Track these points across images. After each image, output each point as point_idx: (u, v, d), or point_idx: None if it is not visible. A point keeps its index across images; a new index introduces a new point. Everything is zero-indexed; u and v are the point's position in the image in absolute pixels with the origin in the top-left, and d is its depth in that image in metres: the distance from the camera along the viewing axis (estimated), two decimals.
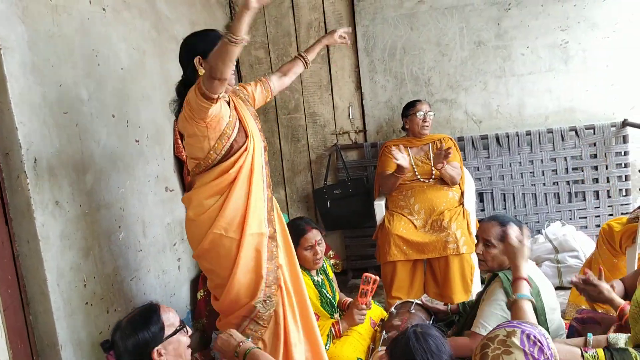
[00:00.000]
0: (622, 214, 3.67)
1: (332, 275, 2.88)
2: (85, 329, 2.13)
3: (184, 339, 1.76)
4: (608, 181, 3.82)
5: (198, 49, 2.05)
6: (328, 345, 2.45)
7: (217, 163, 2.03)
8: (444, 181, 3.39)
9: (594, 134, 3.79)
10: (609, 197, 3.83)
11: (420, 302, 2.69)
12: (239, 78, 4.14)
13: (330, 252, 3.78)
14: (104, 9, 2.44)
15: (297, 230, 2.55)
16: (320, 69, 4.10)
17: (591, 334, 1.97)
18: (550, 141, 3.84)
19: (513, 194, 3.92)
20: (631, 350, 1.62)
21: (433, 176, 3.42)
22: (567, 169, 3.85)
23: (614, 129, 3.77)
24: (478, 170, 3.93)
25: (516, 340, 1.43)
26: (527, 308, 1.81)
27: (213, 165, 2.03)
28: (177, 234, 3.01)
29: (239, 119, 2.09)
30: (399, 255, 3.19)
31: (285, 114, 4.21)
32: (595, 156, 3.81)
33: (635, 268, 2.66)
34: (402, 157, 3.21)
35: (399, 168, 3.26)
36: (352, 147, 4.15)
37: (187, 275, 3.11)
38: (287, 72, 2.48)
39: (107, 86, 2.43)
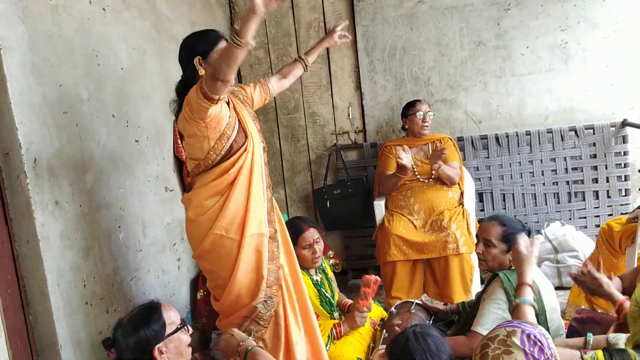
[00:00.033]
0: (621, 214, 3.67)
1: (331, 274, 2.88)
2: (85, 329, 2.13)
3: (184, 337, 1.77)
4: (608, 181, 3.82)
5: (198, 49, 2.05)
6: (328, 345, 2.45)
7: (216, 163, 2.03)
8: (443, 181, 3.39)
9: (594, 134, 3.79)
10: (609, 197, 3.83)
11: (420, 302, 2.69)
12: (239, 78, 4.15)
13: (330, 252, 3.78)
14: (104, 9, 2.44)
15: (295, 229, 2.56)
16: (320, 69, 4.10)
17: (591, 334, 1.97)
18: (550, 141, 3.84)
19: (513, 194, 3.92)
20: (630, 351, 1.62)
21: (433, 176, 3.42)
22: (566, 169, 3.86)
23: (613, 129, 3.77)
24: (478, 170, 3.93)
25: (516, 340, 1.43)
26: (529, 313, 1.81)
27: (213, 166, 2.03)
28: (177, 234, 3.01)
29: (239, 120, 2.09)
30: (398, 255, 3.19)
31: (285, 114, 4.21)
32: (594, 156, 3.81)
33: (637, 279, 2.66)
34: (406, 157, 3.21)
35: (402, 168, 3.26)
36: (352, 147, 4.15)
37: (187, 275, 3.11)
38: (286, 74, 2.48)
39: (107, 86, 2.43)
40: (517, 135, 3.86)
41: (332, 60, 4.10)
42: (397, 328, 2.40)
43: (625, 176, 3.81)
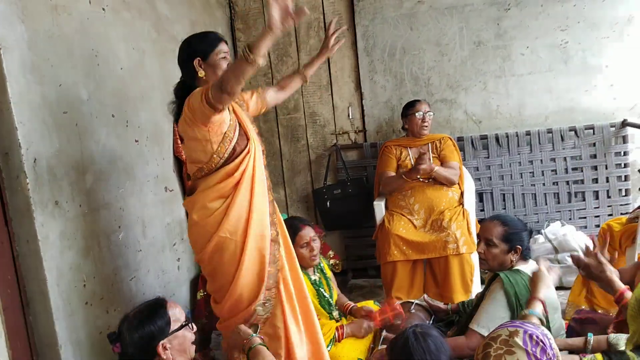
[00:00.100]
0: (621, 214, 3.67)
1: (329, 274, 2.88)
2: (85, 329, 2.13)
3: (189, 334, 1.78)
4: (608, 181, 3.82)
5: (197, 50, 2.06)
6: (330, 347, 2.45)
7: (220, 166, 2.02)
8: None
9: (594, 134, 3.79)
10: (609, 197, 3.83)
11: (420, 302, 2.69)
12: None
13: (330, 252, 3.78)
14: (103, 9, 2.44)
15: (291, 229, 2.56)
16: (320, 69, 4.10)
17: (592, 334, 1.97)
18: (550, 141, 3.84)
19: (513, 194, 3.92)
20: (629, 353, 1.62)
21: (431, 177, 3.41)
22: (566, 169, 3.85)
23: (613, 129, 3.77)
24: (478, 170, 3.93)
25: (519, 340, 1.43)
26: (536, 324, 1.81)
27: (216, 169, 2.02)
28: (177, 234, 3.01)
29: (239, 122, 2.09)
30: (398, 255, 3.19)
31: (285, 114, 4.21)
32: (594, 156, 3.81)
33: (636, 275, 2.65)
34: (428, 163, 3.19)
35: (411, 172, 3.26)
36: (352, 147, 4.15)
37: (187, 275, 3.11)
38: (284, 87, 2.47)
39: (106, 86, 2.43)
40: (517, 135, 3.86)
41: (332, 61, 4.09)
42: (396, 329, 2.40)
43: (625, 176, 3.81)
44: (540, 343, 1.42)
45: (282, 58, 4.13)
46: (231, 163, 2.02)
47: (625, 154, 3.79)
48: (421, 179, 3.42)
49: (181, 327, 1.75)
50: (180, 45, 2.13)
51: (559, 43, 3.82)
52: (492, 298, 2.17)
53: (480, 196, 3.94)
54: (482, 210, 3.94)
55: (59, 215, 2.04)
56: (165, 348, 1.70)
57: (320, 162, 4.20)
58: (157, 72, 2.91)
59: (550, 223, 3.80)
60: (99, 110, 2.35)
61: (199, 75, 2.04)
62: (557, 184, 3.88)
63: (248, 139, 2.09)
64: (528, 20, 3.82)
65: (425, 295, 2.77)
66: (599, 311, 2.65)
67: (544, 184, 3.89)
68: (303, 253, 2.59)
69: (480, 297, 2.34)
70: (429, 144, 3.55)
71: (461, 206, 3.33)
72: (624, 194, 3.83)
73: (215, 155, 1.99)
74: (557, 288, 2.79)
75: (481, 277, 3.20)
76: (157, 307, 1.75)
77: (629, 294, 1.93)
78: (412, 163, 3.47)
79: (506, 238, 2.24)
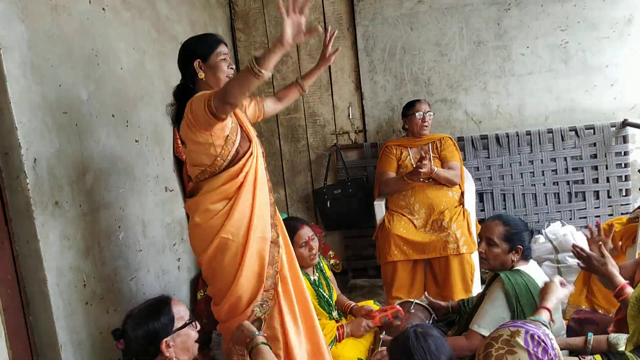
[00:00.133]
0: (622, 214, 3.67)
1: (329, 274, 2.88)
2: (85, 329, 2.13)
3: (192, 333, 1.79)
4: (608, 181, 3.82)
5: (197, 52, 2.06)
6: (330, 347, 2.45)
7: (224, 169, 2.02)
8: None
9: (594, 134, 3.79)
10: (609, 197, 3.83)
11: (419, 302, 2.69)
12: None
13: (330, 252, 3.78)
14: (103, 9, 2.44)
15: (289, 229, 2.56)
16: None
17: (592, 334, 1.97)
18: (550, 141, 3.84)
19: (513, 194, 3.92)
20: (629, 354, 1.62)
21: (431, 179, 3.41)
22: (567, 169, 3.85)
23: (614, 129, 3.77)
24: (478, 170, 3.92)
25: (520, 340, 1.43)
26: None
27: (220, 171, 2.02)
28: (177, 234, 3.01)
29: (240, 125, 2.09)
30: (399, 255, 3.19)
31: (285, 114, 4.21)
32: (595, 156, 3.81)
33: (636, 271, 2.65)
34: (427, 166, 3.18)
35: (412, 174, 3.26)
36: (352, 147, 4.15)
37: (187, 276, 3.11)
38: (282, 98, 2.48)
39: (106, 86, 2.43)
40: (518, 135, 3.86)
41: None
42: (396, 329, 2.40)
43: (625, 176, 3.81)
44: (542, 343, 1.42)
45: (282, 58, 4.11)
46: (235, 165, 2.02)
47: (625, 153, 3.79)
48: (422, 179, 3.42)
49: (185, 325, 1.76)
50: (180, 48, 2.13)
51: (559, 43, 3.82)
52: (492, 298, 2.17)
53: (480, 196, 3.94)
54: (483, 210, 3.94)
55: (59, 215, 2.04)
56: (168, 346, 1.70)
57: (320, 162, 4.20)
58: (157, 72, 2.91)
59: (550, 223, 3.79)
60: (99, 110, 2.35)
61: (199, 76, 2.05)
62: (557, 184, 3.88)
63: (250, 141, 2.10)
64: (528, 20, 3.82)
65: (426, 293, 2.77)
66: (600, 311, 2.65)
67: (544, 184, 3.89)
68: (302, 253, 2.59)
69: (481, 296, 2.34)
70: (429, 144, 3.54)
71: (461, 206, 3.33)
72: (624, 194, 3.83)
73: (218, 158, 2.00)
74: None
75: (481, 277, 3.20)
76: (161, 305, 1.76)
77: (629, 289, 1.93)
78: (412, 163, 3.46)
79: (507, 238, 2.24)
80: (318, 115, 4.18)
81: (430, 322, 2.57)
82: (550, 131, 3.82)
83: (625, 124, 3.74)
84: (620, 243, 2.68)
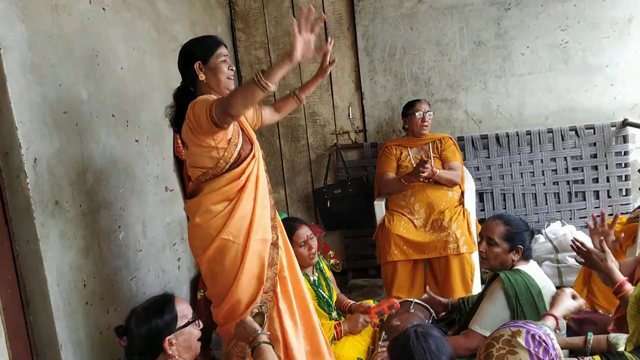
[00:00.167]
0: (622, 213, 3.66)
1: (329, 274, 2.88)
2: (85, 329, 2.13)
3: (195, 331, 1.79)
4: (608, 181, 3.82)
5: (197, 54, 2.07)
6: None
7: (226, 171, 2.02)
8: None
9: (594, 133, 3.79)
10: (609, 197, 3.83)
11: (419, 302, 2.69)
12: (239, 78, 4.15)
13: (330, 252, 3.78)
14: (104, 9, 2.44)
15: (288, 229, 2.56)
16: None
17: (591, 333, 1.97)
18: (550, 141, 3.84)
19: (513, 194, 3.92)
20: (628, 355, 1.62)
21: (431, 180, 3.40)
22: (567, 169, 3.85)
23: (614, 128, 3.77)
24: (478, 170, 3.93)
25: (521, 340, 1.43)
26: None
27: (222, 173, 2.02)
28: (177, 234, 3.01)
29: (242, 128, 2.10)
30: (399, 255, 3.19)
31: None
32: (595, 156, 3.81)
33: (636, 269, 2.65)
34: (428, 170, 3.18)
35: (410, 177, 3.25)
36: (352, 147, 4.15)
37: (187, 275, 3.11)
38: (279, 109, 2.47)
39: (106, 86, 2.43)
40: (518, 135, 3.86)
41: None
42: (395, 329, 2.40)
43: (625, 176, 3.81)
44: (543, 343, 1.42)
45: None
46: (237, 167, 2.03)
47: (625, 153, 3.79)
48: (422, 180, 3.41)
49: (188, 323, 1.76)
50: (180, 51, 2.14)
51: (559, 43, 3.82)
52: (492, 298, 2.17)
53: (480, 196, 3.94)
54: (483, 210, 3.94)
55: (59, 215, 2.04)
56: (171, 344, 1.70)
57: (320, 162, 4.20)
58: (157, 72, 2.91)
59: (550, 223, 3.80)
60: (99, 110, 2.35)
61: (200, 79, 2.06)
62: (557, 184, 3.88)
63: (252, 144, 2.11)
64: (528, 20, 3.82)
65: (427, 288, 2.77)
66: (600, 311, 2.65)
67: (544, 184, 3.89)
68: (302, 252, 2.59)
69: (480, 296, 2.34)
70: (429, 144, 3.54)
71: (461, 206, 3.33)
72: (624, 193, 3.83)
73: (221, 161, 2.00)
74: (558, 288, 2.80)
75: (481, 277, 3.20)
76: (165, 302, 1.76)
77: (628, 286, 1.93)
78: (413, 163, 3.47)
79: (508, 237, 2.24)
80: (318, 115, 4.17)
81: (430, 321, 2.57)
82: (550, 131, 3.82)
83: (625, 123, 3.74)
84: (622, 235, 2.68)
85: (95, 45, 2.35)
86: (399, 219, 3.31)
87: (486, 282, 2.38)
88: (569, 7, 3.77)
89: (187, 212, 2.15)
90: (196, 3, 3.54)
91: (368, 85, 4.06)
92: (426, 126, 3.51)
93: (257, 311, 2.01)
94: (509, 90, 3.92)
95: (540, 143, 3.84)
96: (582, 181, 3.85)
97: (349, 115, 4.14)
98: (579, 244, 2.14)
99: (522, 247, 2.25)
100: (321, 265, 2.83)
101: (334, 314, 2.68)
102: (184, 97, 2.07)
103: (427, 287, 2.78)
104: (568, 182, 3.87)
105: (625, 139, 3.77)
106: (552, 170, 3.87)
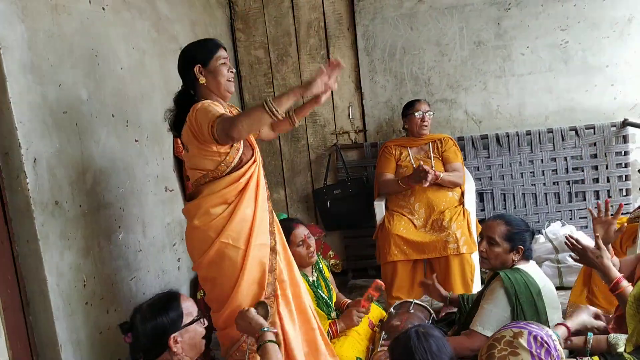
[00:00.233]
0: (622, 213, 3.66)
1: (328, 275, 2.88)
2: (85, 329, 2.13)
3: (200, 329, 1.79)
4: (608, 181, 3.82)
5: (197, 57, 2.08)
6: None
7: (227, 174, 2.02)
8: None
9: (594, 133, 3.79)
10: (609, 197, 3.82)
11: (419, 302, 2.69)
12: (239, 79, 4.15)
13: (330, 252, 3.78)
14: (103, 9, 2.44)
15: (285, 229, 2.56)
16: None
17: (591, 334, 1.97)
18: (551, 141, 3.84)
19: (513, 194, 3.92)
20: (626, 355, 1.62)
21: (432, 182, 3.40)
22: (567, 169, 3.85)
23: (614, 128, 3.77)
24: (478, 170, 3.92)
25: (523, 341, 1.42)
26: None
27: (222, 176, 2.02)
28: (177, 234, 3.00)
29: None
30: (399, 255, 3.19)
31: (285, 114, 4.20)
32: (595, 156, 3.81)
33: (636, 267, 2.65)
34: (431, 175, 3.17)
35: (409, 181, 3.25)
36: (352, 147, 4.14)
37: (187, 275, 3.11)
38: (274, 128, 2.47)
39: (106, 86, 2.43)
40: (518, 135, 3.86)
41: None
42: (395, 329, 2.40)
43: (625, 176, 3.81)
44: (545, 344, 1.42)
45: (282, 58, 4.13)
46: (237, 171, 2.03)
47: (625, 153, 3.79)
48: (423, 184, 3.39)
49: (193, 321, 1.76)
50: (179, 54, 2.14)
51: (559, 43, 3.82)
52: (492, 297, 2.17)
53: (480, 196, 3.93)
54: (483, 210, 3.94)
55: (59, 215, 2.04)
56: (176, 341, 1.70)
57: (320, 162, 4.19)
58: (157, 72, 2.90)
59: (550, 223, 3.79)
60: (99, 110, 2.35)
61: (200, 81, 2.07)
62: (557, 184, 3.88)
63: (253, 149, 2.12)
64: (528, 20, 3.82)
65: (432, 278, 2.78)
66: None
67: (544, 184, 3.88)
68: (300, 252, 2.59)
69: (480, 295, 2.34)
70: (429, 144, 3.54)
71: (461, 206, 3.33)
72: (624, 193, 3.83)
73: (222, 164, 2.01)
74: (558, 288, 2.80)
75: (481, 277, 3.20)
76: (171, 300, 1.77)
77: (624, 283, 1.93)
78: (412, 163, 3.46)
79: (509, 237, 2.25)
80: (318, 115, 4.17)
81: (430, 321, 2.57)
82: (550, 131, 3.82)
83: (625, 123, 3.74)
84: (625, 224, 2.68)
85: (95, 45, 2.35)
86: (399, 219, 3.31)
87: (486, 282, 2.38)
88: (569, 7, 3.77)
89: (185, 214, 2.13)
90: (196, 3, 3.54)
91: (368, 85, 4.06)
92: (426, 126, 3.51)
93: (259, 301, 2.00)
94: (509, 90, 3.92)
95: (540, 143, 3.84)
96: (582, 181, 3.85)
97: (349, 116, 4.14)
98: (574, 241, 2.13)
99: (522, 247, 2.25)
100: (320, 266, 2.83)
101: (333, 314, 2.68)
102: (184, 101, 2.07)
103: (425, 278, 2.80)
104: (568, 182, 3.86)
105: (625, 139, 3.77)
106: (552, 170, 3.87)
